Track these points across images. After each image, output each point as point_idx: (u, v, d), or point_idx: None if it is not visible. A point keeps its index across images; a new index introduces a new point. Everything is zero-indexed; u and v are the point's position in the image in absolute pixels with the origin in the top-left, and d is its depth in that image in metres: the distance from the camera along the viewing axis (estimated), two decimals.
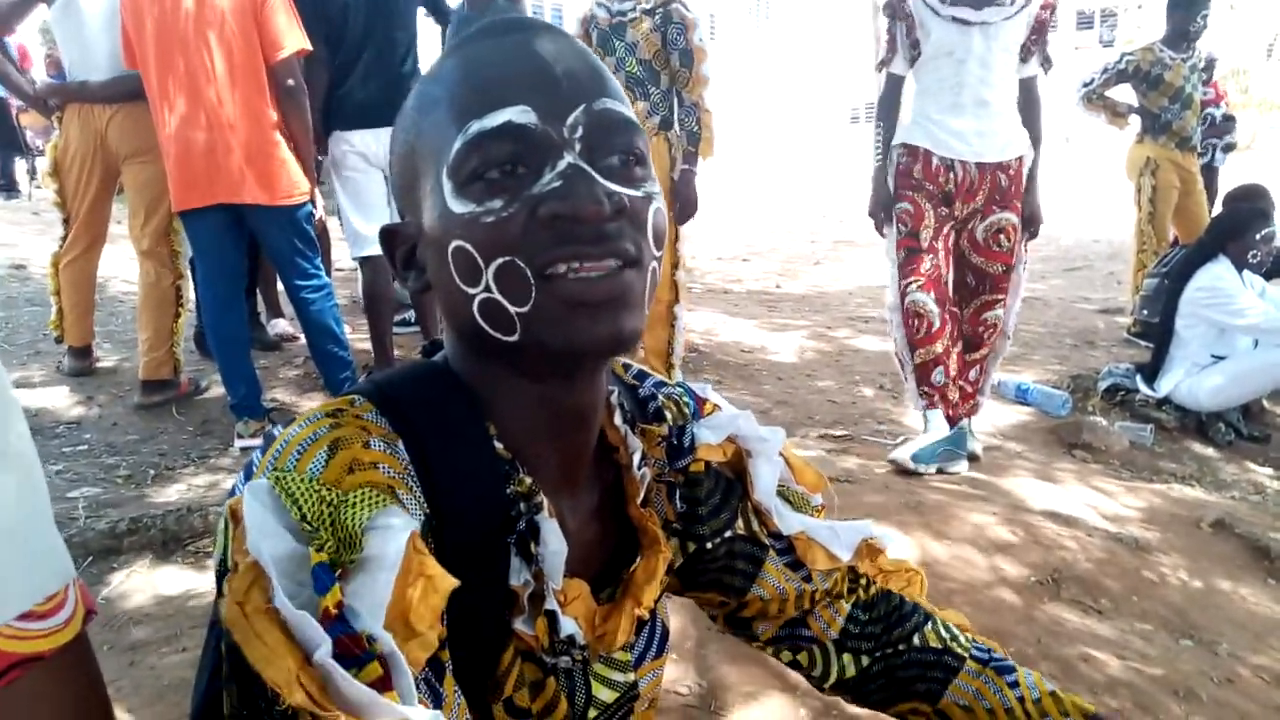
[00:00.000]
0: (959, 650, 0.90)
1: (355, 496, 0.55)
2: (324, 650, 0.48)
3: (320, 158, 3.46)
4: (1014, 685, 0.88)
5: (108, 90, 3.26)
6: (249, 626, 0.50)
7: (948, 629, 0.92)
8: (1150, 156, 5.06)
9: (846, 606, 0.90)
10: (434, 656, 0.55)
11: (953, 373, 3.07)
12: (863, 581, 0.92)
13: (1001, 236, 3.07)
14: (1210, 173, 5.64)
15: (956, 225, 3.11)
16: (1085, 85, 5.13)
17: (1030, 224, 3.11)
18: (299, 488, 0.55)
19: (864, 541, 0.90)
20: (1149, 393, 3.92)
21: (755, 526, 0.86)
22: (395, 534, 0.54)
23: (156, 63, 2.83)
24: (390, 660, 0.50)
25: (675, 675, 1.78)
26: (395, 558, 0.53)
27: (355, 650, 0.49)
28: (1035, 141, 3.06)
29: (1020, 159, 3.04)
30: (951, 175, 3.01)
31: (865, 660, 0.90)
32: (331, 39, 3.25)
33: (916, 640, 0.90)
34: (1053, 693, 0.87)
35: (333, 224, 4.56)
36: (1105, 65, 5.10)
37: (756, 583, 0.86)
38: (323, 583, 0.50)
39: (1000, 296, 3.14)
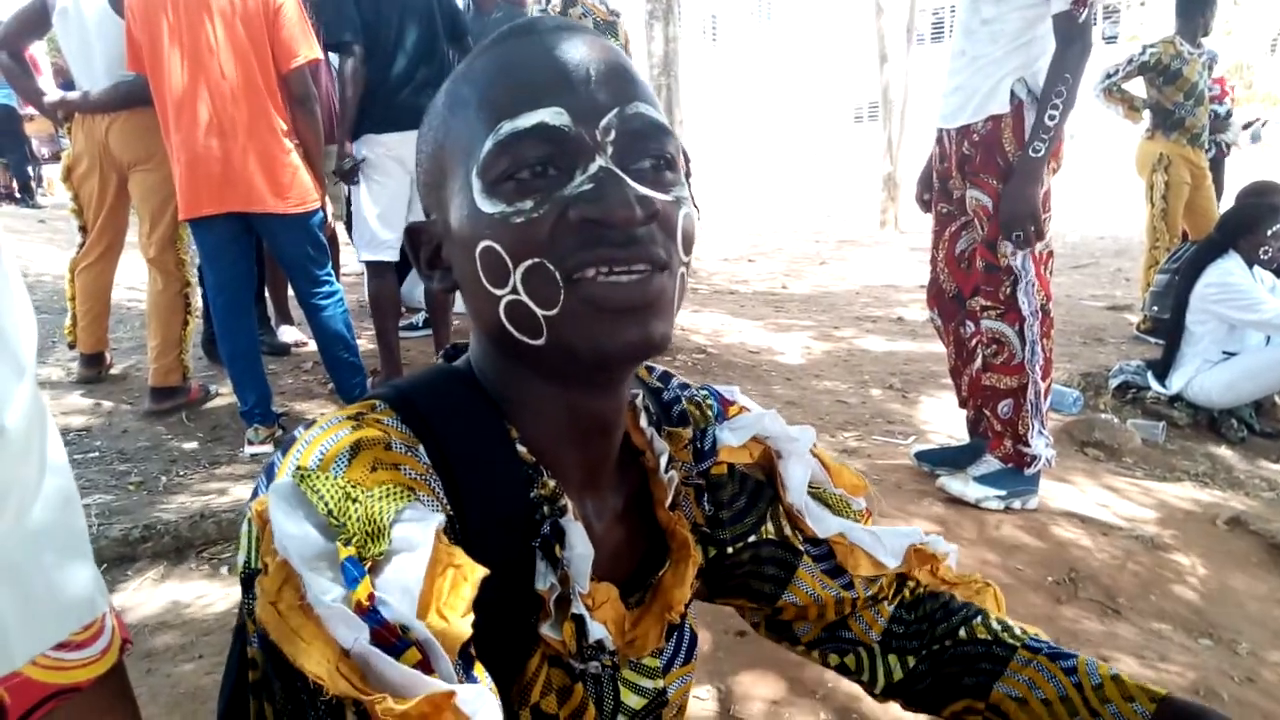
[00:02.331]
0: (1009, 640, 0.83)
1: (381, 491, 0.55)
2: (363, 639, 0.48)
3: (346, 160, 3.46)
4: (1070, 671, 0.79)
5: (105, 98, 3.27)
6: (285, 624, 0.50)
7: (1001, 622, 0.85)
8: (1163, 153, 5.06)
9: (889, 608, 0.87)
10: (463, 648, 0.54)
11: (964, 392, 2.86)
12: (910, 584, 0.89)
13: (974, 219, 2.57)
14: (1216, 167, 5.63)
15: (956, 211, 2.69)
16: (1109, 76, 5.10)
17: (1004, 223, 2.40)
18: (324, 484, 0.55)
19: (912, 548, 0.87)
20: (1160, 390, 3.91)
21: (788, 531, 0.84)
22: (423, 525, 0.54)
23: (169, 71, 2.83)
24: (427, 646, 0.50)
25: (695, 680, 1.77)
26: (425, 548, 0.53)
27: (390, 639, 0.49)
28: (1044, 97, 2.32)
29: (994, 119, 2.44)
30: (939, 150, 2.67)
31: (911, 660, 0.86)
32: (366, 44, 3.26)
33: (963, 633, 0.85)
34: (1115, 676, 0.77)
35: (340, 229, 4.57)
36: (1130, 56, 5.08)
37: (789, 589, 0.84)
38: (352, 576, 0.50)
39: (986, 303, 2.55)
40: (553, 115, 0.60)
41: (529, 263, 0.60)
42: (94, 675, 0.51)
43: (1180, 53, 4.91)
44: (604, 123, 0.61)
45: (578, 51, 0.63)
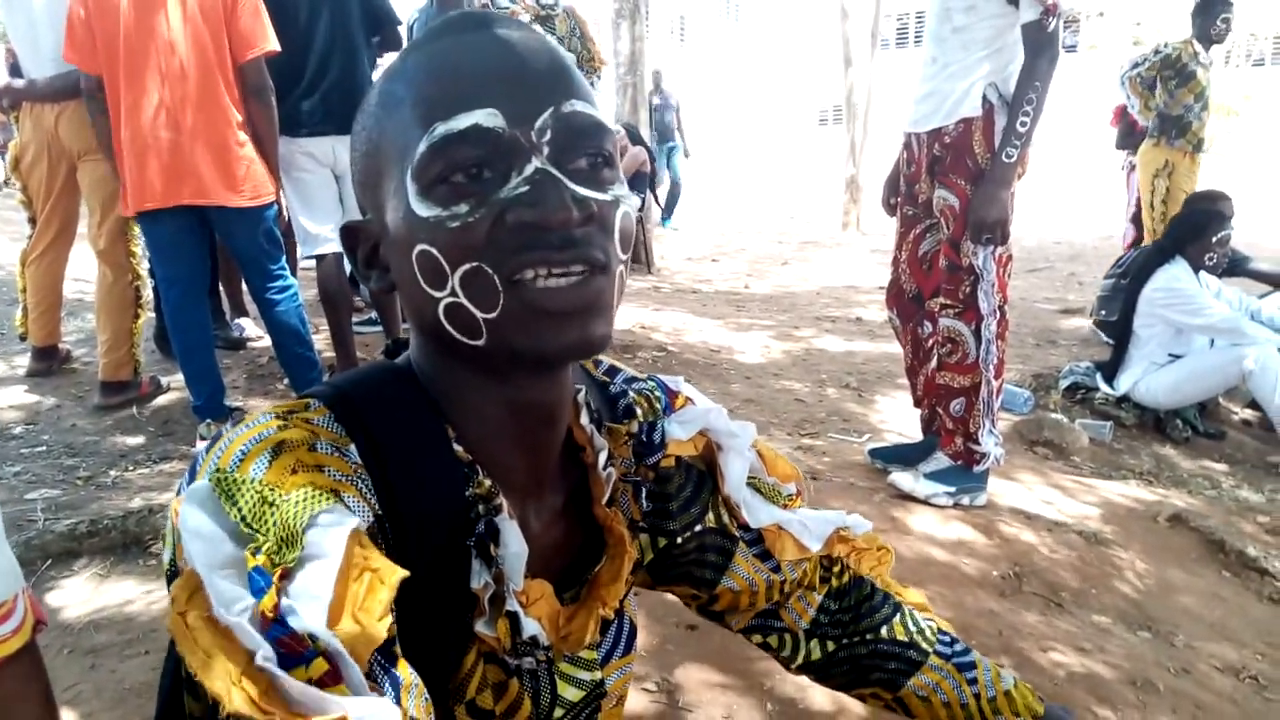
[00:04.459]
0: (924, 645, 0.93)
1: (297, 495, 0.55)
2: (262, 653, 0.48)
3: None
4: (972, 682, 0.92)
5: (53, 87, 3.20)
6: (190, 637, 0.50)
7: (915, 621, 0.95)
8: (1167, 160, 5.11)
9: (818, 598, 0.92)
10: (386, 645, 0.55)
11: (919, 391, 2.91)
12: (836, 569, 0.93)
13: (939, 220, 2.63)
14: None
15: (921, 214, 2.74)
16: (1135, 66, 5.14)
17: (973, 225, 2.48)
18: (239, 489, 0.54)
19: (836, 531, 0.91)
20: (1108, 391, 3.99)
21: (725, 519, 0.87)
22: (336, 531, 0.54)
23: (125, 62, 2.76)
24: (335, 657, 0.50)
25: (643, 672, 1.79)
26: (336, 553, 0.53)
27: (298, 649, 0.49)
28: (1015, 104, 2.40)
29: (965, 122, 2.49)
30: (907, 153, 2.73)
31: (831, 646, 0.93)
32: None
33: (884, 632, 0.93)
34: (1007, 692, 0.92)
35: None
36: (1156, 47, 5.14)
37: (727, 574, 0.87)
38: (258, 586, 0.50)
39: (945, 302, 2.60)
40: (486, 117, 0.59)
41: (466, 267, 0.59)
42: (2, 654, 0.52)
43: (1196, 54, 4.98)
44: (539, 123, 0.60)
45: (512, 49, 0.62)
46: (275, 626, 0.49)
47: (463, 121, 0.59)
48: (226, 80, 2.87)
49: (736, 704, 1.73)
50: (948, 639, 0.95)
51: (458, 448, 0.66)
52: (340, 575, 0.52)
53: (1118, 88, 5.30)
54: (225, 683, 0.47)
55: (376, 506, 0.61)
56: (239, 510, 0.54)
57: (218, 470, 0.56)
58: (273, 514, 0.53)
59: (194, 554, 0.51)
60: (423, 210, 0.60)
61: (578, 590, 0.76)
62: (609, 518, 0.76)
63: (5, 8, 3.24)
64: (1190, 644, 2.10)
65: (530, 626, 0.68)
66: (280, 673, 0.48)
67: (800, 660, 0.93)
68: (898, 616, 0.94)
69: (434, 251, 0.60)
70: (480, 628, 0.67)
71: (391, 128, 0.63)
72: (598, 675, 0.79)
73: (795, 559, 0.88)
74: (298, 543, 0.53)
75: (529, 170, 0.59)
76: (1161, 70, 5.04)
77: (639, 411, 0.81)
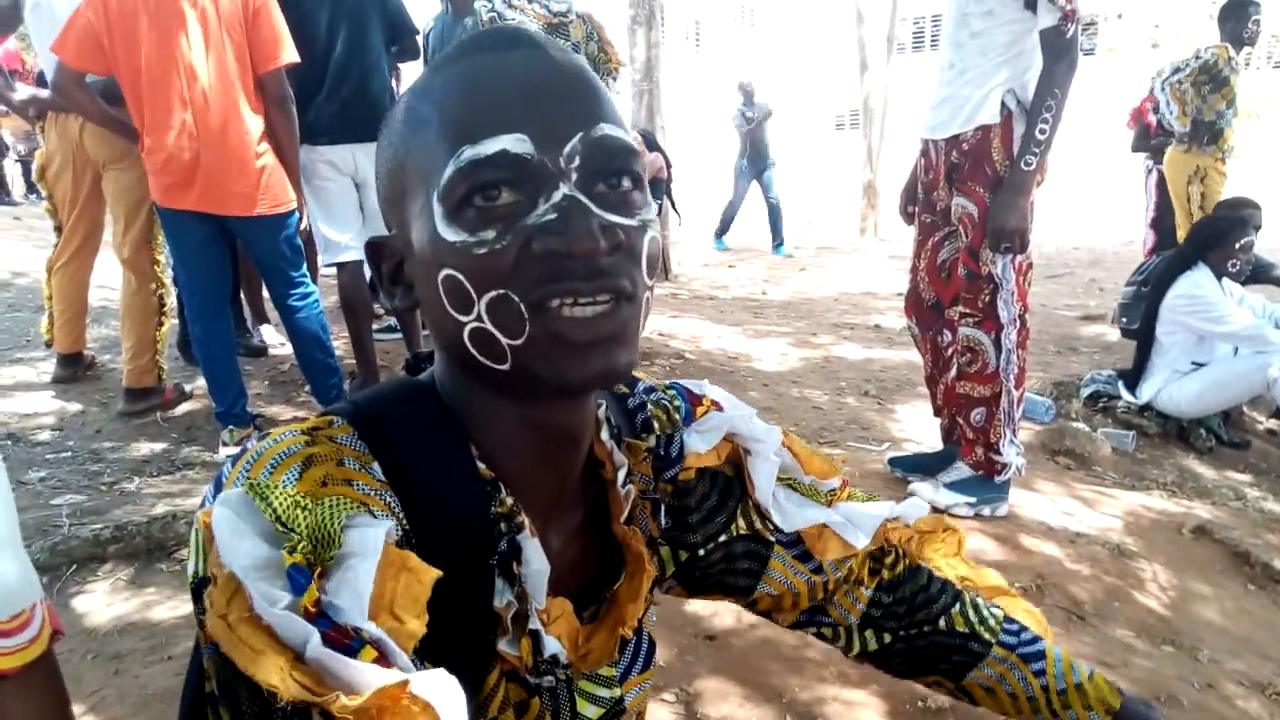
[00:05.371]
0: (986, 635, 0.90)
1: (331, 500, 0.55)
2: (315, 642, 0.48)
3: None
4: (1040, 674, 0.88)
5: None
6: (235, 635, 0.50)
7: (977, 610, 0.91)
8: (1199, 165, 5.08)
9: (867, 593, 0.90)
10: (415, 654, 0.55)
11: (939, 400, 2.89)
12: (888, 561, 0.91)
13: (958, 227, 2.61)
14: None
15: (940, 222, 2.73)
16: (1176, 71, 5.11)
17: (992, 233, 2.46)
18: (273, 493, 0.55)
19: (884, 523, 0.89)
20: (1131, 399, 3.96)
21: (758, 525, 0.86)
22: (373, 530, 0.54)
23: (146, 74, 2.78)
24: (381, 644, 0.51)
25: (661, 683, 1.78)
26: (375, 549, 0.53)
27: (343, 640, 0.49)
28: (1033, 111, 2.38)
29: (983, 129, 2.48)
30: (925, 160, 2.71)
31: (888, 637, 0.91)
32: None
33: (942, 623, 0.90)
34: (1079, 685, 0.87)
35: None
36: (1197, 52, 5.10)
37: (763, 580, 0.87)
38: (298, 584, 0.50)
39: (965, 310, 2.59)
40: (514, 142, 0.58)
41: (493, 294, 0.59)
42: (20, 663, 0.53)
43: (1231, 59, 4.94)
44: (568, 149, 0.59)
45: (540, 70, 0.62)
46: (318, 621, 0.50)
47: (490, 147, 0.58)
48: (248, 91, 2.89)
49: (755, 715, 1.73)
50: (1014, 628, 0.92)
51: (481, 465, 0.66)
52: (379, 572, 0.53)
53: (1158, 93, 5.26)
54: (279, 674, 0.48)
55: (404, 522, 0.61)
56: (273, 510, 0.54)
57: (248, 479, 0.56)
58: (306, 516, 0.54)
59: (230, 557, 0.51)
60: (449, 235, 0.59)
61: (596, 609, 0.76)
62: (628, 536, 0.75)
63: (31, 16, 3.29)
64: (1215, 659, 2.08)
65: (551, 645, 0.68)
66: (336, 654, 0.48)
67: (856, 649, 0.93)
68: (957, 606, 0.91)
69: (460, 277, 0.59)
70: (503, 646, 0.67)
71: (418, 147, 0.62)
72: (617, 692, 0.78)
73: (839, 557, 0.87)
74: (335, 541, 0.54)
75: (556, 197, 0.59)
76: (1198, 76, 4.99)
77: (656, 425, 0.80)
